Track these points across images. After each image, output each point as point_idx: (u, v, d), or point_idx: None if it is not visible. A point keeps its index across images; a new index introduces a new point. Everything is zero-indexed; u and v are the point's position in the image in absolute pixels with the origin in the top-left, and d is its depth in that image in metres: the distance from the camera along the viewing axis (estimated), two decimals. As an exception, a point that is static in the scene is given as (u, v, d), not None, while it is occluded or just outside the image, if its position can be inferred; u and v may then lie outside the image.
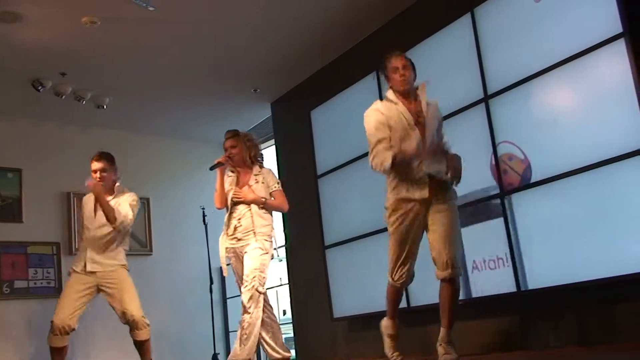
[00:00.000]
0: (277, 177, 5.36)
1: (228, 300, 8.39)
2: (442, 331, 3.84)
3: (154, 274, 7.82)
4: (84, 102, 6.86)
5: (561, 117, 4.31)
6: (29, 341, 6.67)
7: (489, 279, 4.70)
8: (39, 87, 6.44)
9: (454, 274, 3.78)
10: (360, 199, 5.91)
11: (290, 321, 7.37)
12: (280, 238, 6.56)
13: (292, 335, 7.40)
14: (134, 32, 5.73)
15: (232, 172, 5.18)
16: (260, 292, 4.82)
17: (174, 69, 6.58)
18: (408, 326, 4.80)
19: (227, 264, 5.10)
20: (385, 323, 4.22)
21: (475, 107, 4.86)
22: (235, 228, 4.99)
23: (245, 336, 4.82)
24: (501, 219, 4.62)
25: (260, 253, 4.88)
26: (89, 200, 5.32)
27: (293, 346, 7.15)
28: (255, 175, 5.11)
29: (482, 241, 4.75)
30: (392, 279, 3.99)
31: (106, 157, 5.34)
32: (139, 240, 7.84)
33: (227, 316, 8.38)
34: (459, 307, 3.95)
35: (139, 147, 8.11)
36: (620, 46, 3.98)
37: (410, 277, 3.99)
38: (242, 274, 4.96)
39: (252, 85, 7.23)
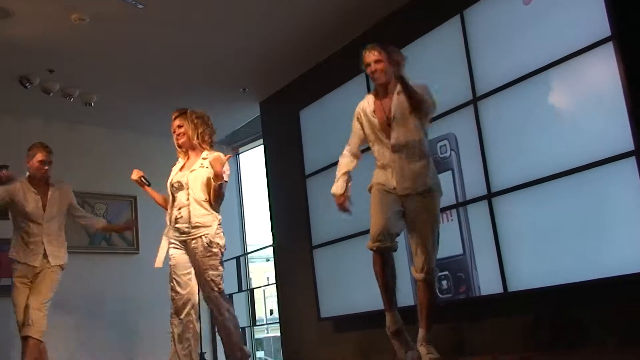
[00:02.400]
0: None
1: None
2: (421, 332, 3.89)
3: (141, 273, 7.78)
4: (72, 99, 6.82)
5: (550, 119, 4.34)
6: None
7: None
8: (27, 84, 6.40)
9: (428, 278, 3.87)
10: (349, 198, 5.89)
11: (277, 321, 7.36)
12: (268, 237, 6.54)
13: (279, 334, 7.40)
14: (123, 29, 5.71)
15: (180, 160, 4.64)
16: (218, 292, 4.38)
17: (163, 67, 6.56)
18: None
19: None
20: (386, 320, 3.94)
21: (464, 109, 4.87)
22: (177, 219, 4.41)
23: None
24: (488, 222, 4.64)
25: (206, 252, 4.33)
26: (19, 192, 5.20)
27: (279, 346, 7.15)
28: (203, 159, 4.43)
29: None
30: (370, 242, 3.81)
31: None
32: (126, 239, 7.81)
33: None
34: (437, 308, 4.00)
35: (126, 145, 8.06)
36: (609, 49, 4.01)
37: (386, 238, 3.75)
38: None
39: (241, 85, 7.22)
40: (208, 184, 4.35)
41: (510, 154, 4.57)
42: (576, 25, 4.20)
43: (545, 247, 4.28)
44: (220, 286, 4.36)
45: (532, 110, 4.45)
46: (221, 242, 4.37)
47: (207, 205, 4.36)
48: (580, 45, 4.16)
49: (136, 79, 6.80)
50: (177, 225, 4.39)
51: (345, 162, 4.16)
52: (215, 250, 4.32)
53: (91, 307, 7.22)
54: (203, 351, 7.25)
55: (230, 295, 8.01)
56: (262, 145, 7.81)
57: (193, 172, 4.40)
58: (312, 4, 5.62)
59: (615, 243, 3.93)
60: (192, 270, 4.43)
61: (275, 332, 7.62)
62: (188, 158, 4.56)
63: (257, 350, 8.82)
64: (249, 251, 8.56)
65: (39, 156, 5.26)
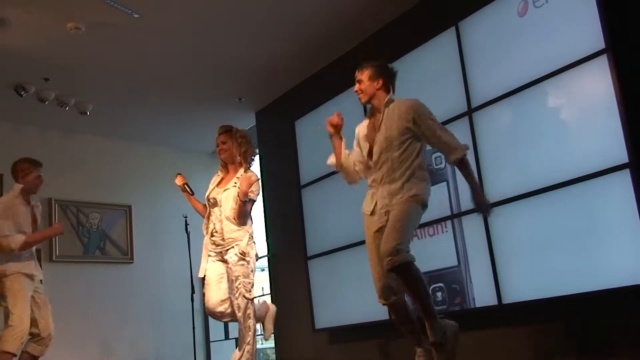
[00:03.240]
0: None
1: (209, 310, 8.33)
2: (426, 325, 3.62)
3: (135, 282, 7.78)
4: (67, 108, 6.83)
5: (544, 131, 4.34)
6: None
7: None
8: (22, 92, 6.40)
9: (395, 260, 3.45)
10: (343, 210, 5.89)
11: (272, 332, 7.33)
12: (262, 248, 6.53)
13: (273, 345, 7.37)
14: (119, 38, 5.71)
15: (219, 174, 4.96)
16: (247, 299, 4.61)
17: (158, 76, 6.56)
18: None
19: None
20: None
21: (458, 120, 4.87)
22: (212, 233, 4.79)
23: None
24: (483, 233, 4.64)
25: (238, 260, 4.65)
26: (21, 207, 5.19)
27: (275, 356, 7.12)
28: (237, 178, 4.75)
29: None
30: (378, 298, 3.79)
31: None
32: (120, 249, 7.79)
33: (208, 325, 8.32)
34: (423, 294, 3.56)
35: (121, 154, 8.07)
36: (603, 62, 4.01)
37: (390, 293, 3.71)
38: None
39: (237, 94, 7.23)
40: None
41: (505, 165, 4.57)
42: (571, 37, 4.21)
43: (540, 259, 4.27)
44: (249, 294, 4.64)
45: (527, 121, 4.45)
46: (252, 252, 4.70)
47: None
48: (574, 57, 4.17)
49: (132, 88, 6.79)
50: (213, 238, 4.78)
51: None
52: (247, 259, 4.65)
53: (85, 316, 7.19)
54: (197, 361, 7.23)
55: (225, 305, 8.00)
56: (258, 155, 7.80)
57: (226, 191, 4.75)
58: (308, 16, 5.63)
59: (610, 255, 3.92)
60: (224, 278, 4.75)
61: (270, 343, 7.59)
62: (227, 172, 4.90)
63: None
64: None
65: (36, 172, 5.27)
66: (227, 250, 4.68)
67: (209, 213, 4.83)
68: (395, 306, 3.77)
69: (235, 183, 4.71)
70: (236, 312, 4.65)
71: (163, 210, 8.21)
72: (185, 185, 5.08)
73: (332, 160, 4.13)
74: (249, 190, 4.63)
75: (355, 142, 4.04)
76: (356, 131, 4.04)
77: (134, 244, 7.85)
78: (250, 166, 4.91)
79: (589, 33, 4.09)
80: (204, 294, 4.87)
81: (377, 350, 5.65)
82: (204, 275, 4.83)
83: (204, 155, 8.93)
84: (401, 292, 3.71)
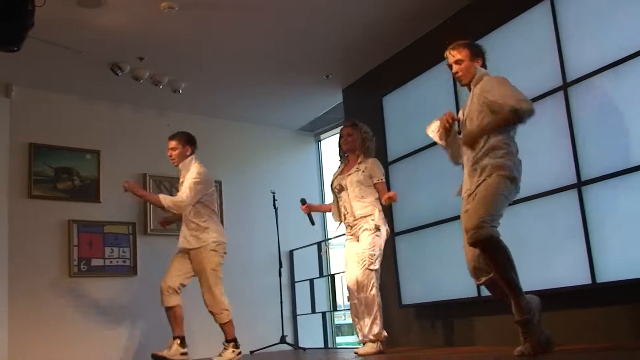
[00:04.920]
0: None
1: (296, 284, 8.47)
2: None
3: (226, 256, 7.94)
4: (161, 86, 7.02)
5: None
6: (103, 317, 6.90)
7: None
8: (118, 71, 6.61)
9: (476, 234, 3.45)
10: (431, 187, 5.86)
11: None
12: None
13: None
14: (210, 17, 5.81)
15: (341, 161, 5.58)
16: (371, 270, 5.07)
17: (248, 54, 6.64)
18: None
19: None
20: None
21: (553, 95, 4.72)
22: (345, 216, 5.35)
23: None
24: (578, 210, 4.50)
25: (369, 233, 5.13)
26: None
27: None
28: (358, 163, 5.36)
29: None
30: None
31: (177, 136, 5.82)
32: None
33: (295, 299, 8.46)
34: (508, 271, 3.51)
35: (212, 131, 8.23)
36: None
37: (479, 274, 3.75)
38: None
39: (325, 71, 7.25)
40: (363, 182, 5.31)
41: (602, 141, 4.40)
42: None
43: (637, 238, 4.12)
44: (373, 265, 5.11)
45: (626, 96, 4.27)
46: (383, 227, 5.25)
47: (365, 200, 5.26)
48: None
49: (222, 66, 6.91)
50: (346, 221, 5.35)
51: None
52: (377, 233, 5.17)
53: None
54: (284, 334, 7.36)
55: (311, 280, 8.11)
56: (345, 132, 7.81)
57: (350, 176, 5.34)
58: (396, -10, 5.58)
59: None
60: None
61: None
62: (347, 162, 5.50)
63: (337, 336, 8.87)
64: (329, 237, 8.61)
65: None
66: (360, 227, 5.19)
67: (337, 200, 5.41)
68: (489, 285, 3.76)
69: (358, 168, 5.32)
70: (360, 281, 5.05)
71: (252, 186, 8.36)
72: (310, 216, 5.78)
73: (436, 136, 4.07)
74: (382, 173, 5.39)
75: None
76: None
77: (224, 218, 8.03)
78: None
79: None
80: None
81: (464, 328, 5.61)
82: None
83: (291, 132, 9.03)
84: (491, 273, 3.67)
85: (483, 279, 3.73)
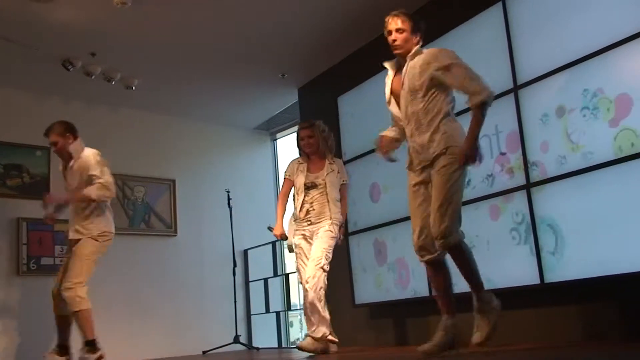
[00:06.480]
0: None
1: (250, 283, 8.45)
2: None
3: (179, 255, 7.90)
4: (114, 82, 6.92)
5: (591, 108, 4.24)
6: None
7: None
8: (69, 67, 6.51)
9: (446, 242, 3.56)
10: (385, 187, 5.90)
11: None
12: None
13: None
14: (163, 13, 5.76)
15: (302, 161, 5.43)
16: (324, 270, 5.05)
17: (203, 52, 6.60)
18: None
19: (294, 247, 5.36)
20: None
21: (504, 97, 4.79)
22: (308, 212, 5.25)
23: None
24: (526, 210, 4.58)
25: (329, 235, 5.14)
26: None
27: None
28: (330, 164, 5.36)
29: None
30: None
31: (55, 129, 5.41)
32: (164, 222, 7.91)
33: (249, 299, 8.43)
34: (471, 269, 3.67)
35: (166, 128, 8.17)
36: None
37: (419, 247, 3.74)
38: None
39: (280, 70, 7.24)
40: (336, 184, 5.35)
41: (552, 144, 4.48)
42: (622, 13, 4.08)
43: (587, 238, 4.20)
44: (327, 266, 5.11)
45: (574, 99, 4.35)
46: (340, 232, 5.30)
47: (338, 203, 5.30)
48: (625, 34, 4.05)
49: (176, 64, 6.85)
50: (308, 216, 5.27)
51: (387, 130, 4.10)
52: (335, 235, 5.21)
53: (128, 287, 7.33)
54: (238, 333, 7.33)
55: (265, 280, 8.10)
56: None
57: (329, 175, 5.31)
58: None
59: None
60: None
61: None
62: (310, 160, 5.42)
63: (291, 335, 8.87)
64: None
65: None
66: (322, 227, 5.18)
67: (304, 195, 5.29)
68: (434, 264, 3.76)
69: (332, 169, 5.34)
70: (310, 280, 5.02)
71: (206, 185, 8.31)
72: (290, 246, 5.45)
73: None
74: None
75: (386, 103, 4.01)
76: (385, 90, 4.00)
77: (177, 217, 7.97)
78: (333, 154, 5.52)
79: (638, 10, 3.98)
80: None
81: (417, 326, 5.66)
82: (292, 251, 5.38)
83: (247, 130, 9.00)
84: (437, 252, 3.71)
85: (428, 257, 3.74)
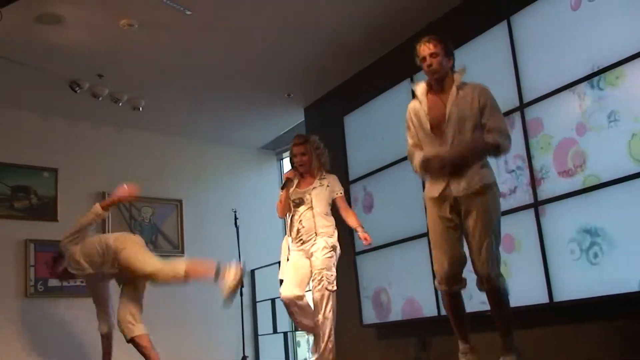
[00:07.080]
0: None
1: (258, 304, 8.41)
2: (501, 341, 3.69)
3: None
4: (120, 104, 6.95)
5: (597, 127, 4.24)
6: (63, 338, 6.76)
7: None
8: (76, 88, 6.53)
9: (489, 287, 3.60)
10: (393, 205, 5.88)
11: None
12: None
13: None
14: (171, 35, 5.78)
15: (293, 175, 5.23)
16: (330, 291, 4.87)
17: (209, 73, 6.63)
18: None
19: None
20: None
21: (510, 115, 4.79)
22: (298, 230, 5.05)
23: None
24: (534, 230, 4.57)
25: (325, 252, 4.93)
26: None
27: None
28: (320, 179, 5.15)
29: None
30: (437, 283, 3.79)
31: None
32: (171, 242, 7.90)
33: (256, 319, 8.40)
34: (507, 313, 3.70)
35: (172, 149, 8.19)
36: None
37: (451, 282, 3.68)
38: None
39: (286, 90, 7.26)
40: (327, 199, 5.13)
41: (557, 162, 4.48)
42: (625, 32, 4.09)
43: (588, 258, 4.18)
44: (331, 285, 4.91)
45: (577, 117, 4.35)
46: (338, 247, 5.06)
47: (329, 218, 5.09)
48: (628, 53, 4.06)
49: (183, 85, 6.88)
50: (299, 235, 5.05)
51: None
52: (333, 252, 5.00)
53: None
54: (245, 354, 7.29)
55: (273, 300, 8.06)
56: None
57: (315, 190, 5.08)
58: (357, 10, 5.62)
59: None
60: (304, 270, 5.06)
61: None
62: (302, 176, 5.20)
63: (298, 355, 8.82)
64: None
65: None
66: (314, 244, 4.97)
67: (293, 214, 5.11)
68: (457, 295, 3.75)
69: (322, 184, 5.11)
70: (317, 302, 4.88)
71: (213, 205, 8.31)
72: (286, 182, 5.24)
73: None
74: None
75: (407, 123, 3.88)
76: (409, 113, 3.87)
77: (184, 237, 7.96)
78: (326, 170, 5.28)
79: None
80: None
81: (425, 347, 5.62)
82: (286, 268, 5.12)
83: (253, 150, 9.01)
84: (463, 283, 3.71)
85: (454, 288, 3.70)
